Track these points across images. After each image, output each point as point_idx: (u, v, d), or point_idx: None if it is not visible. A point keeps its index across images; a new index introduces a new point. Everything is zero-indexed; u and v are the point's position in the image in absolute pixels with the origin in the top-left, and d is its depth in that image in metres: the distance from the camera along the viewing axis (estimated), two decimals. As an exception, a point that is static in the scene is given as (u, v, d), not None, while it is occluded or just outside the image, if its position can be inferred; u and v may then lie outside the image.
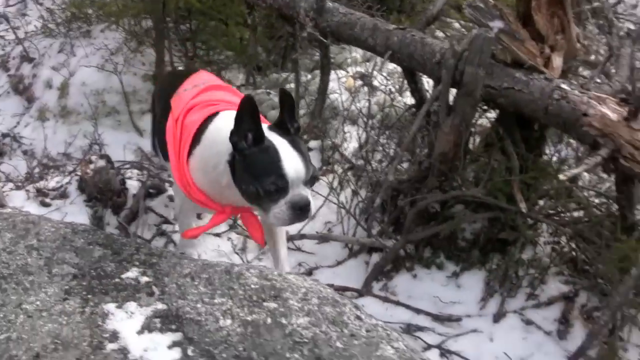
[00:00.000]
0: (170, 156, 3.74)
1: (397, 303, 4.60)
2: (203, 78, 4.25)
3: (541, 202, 4.99)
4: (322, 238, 5.00)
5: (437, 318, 4.52)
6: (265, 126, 3.39)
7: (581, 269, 4.73)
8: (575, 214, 4.94)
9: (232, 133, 3.33)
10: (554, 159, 5.23)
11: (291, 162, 3.27)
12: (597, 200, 4.97)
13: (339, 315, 2.48)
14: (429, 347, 4.26)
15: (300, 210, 3.29)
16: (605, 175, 4.95)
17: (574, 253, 4.77)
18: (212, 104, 3.82)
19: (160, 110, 4.28)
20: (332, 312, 2.49)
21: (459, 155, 4.56)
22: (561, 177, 3.86)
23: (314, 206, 3.36)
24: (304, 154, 3.35)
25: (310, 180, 3.36)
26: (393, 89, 6.22)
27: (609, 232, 4.52)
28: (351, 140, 5.97)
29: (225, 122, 3.49)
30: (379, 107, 5.99)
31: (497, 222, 4.70)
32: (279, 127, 3.41)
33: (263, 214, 3.43)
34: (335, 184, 5.31)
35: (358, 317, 2.51)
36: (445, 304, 4.63)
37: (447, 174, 4.61)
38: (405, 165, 5.32)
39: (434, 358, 4.15)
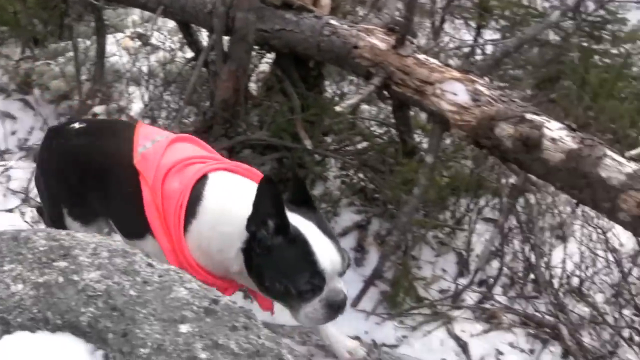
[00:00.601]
0: (159, 235, 3.03)
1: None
2: (156, 129, 3.52)
3: (328, 139, 5.13)
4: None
5: (238, 263, 4.57)
6: None
7: (371, 197, 4.90)
8: (360, 145, 5.11)
9: (250, 221, 2.82)
10: (337, 96, 5.38)
11: (327, 254, 2.80)
12: (379, 130, 5.15)
13: (130, 265, 2.48)
14: (232, 291, 4.32)
15: (338, 308, 2.87)
16: (383, 105, 5.13)
17: (362, 183, 4.94)
18: (191, 163, 3.15)
19: (113, 182, 3.31)
20: (123, 262, 2.48)
21: (240, 101, 4.61)
22: (337, 108, 3.98)
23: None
24: (335, 238, 2.90)
25: (345, 270, 2.92)
26: (173, 46, 6.20)
27: (392, 158, 4.71)
28: (137, 100, 5.92)
29: (224, 191, 3.05)
30: (160, 65, 5.97)
31: (286, 161, 4.80)
32: (297, 202, 2.95)
33: (290, 312, 2.93)
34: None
35: (149, 265, 2.51)
36: (242, 249, 4.68)
37: (231, 121, 4.64)
38: (193, 118, 5.34)
39: (238, 300, 4.20)
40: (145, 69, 5.78)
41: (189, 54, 5.74)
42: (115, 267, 2.46)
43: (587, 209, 4.68)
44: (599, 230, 4.70)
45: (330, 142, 5.10)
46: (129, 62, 6.10)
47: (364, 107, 5.46)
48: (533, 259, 4.70)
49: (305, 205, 2.94)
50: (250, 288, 3.17)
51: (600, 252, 4.77)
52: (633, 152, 3.81)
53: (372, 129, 5.21)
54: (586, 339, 4.32)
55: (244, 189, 3.00)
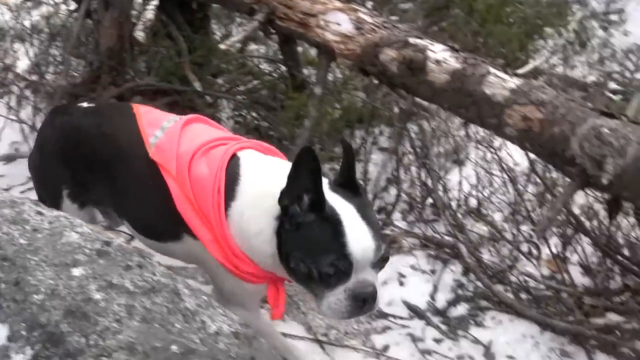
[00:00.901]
0: (196, 227, 2.81)
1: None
2: (159, 113, 3.21)
3: (220, 80, 5.13)
4: (9, 158, 4.87)
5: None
6: (325, 183, 2.68)
7: (266, 135, 4.89)
8: (251, 84, 5.12)
9: (283, 194, 2.61)
10: (225, 37, 5.36)
11: (358, 238, 2.56)
12: (268, 68, 5.16)
13: (18, 214, 2.45)
14: (132, 237, 4.26)
15: (363, 302, 2.61)
16: (272, 42, 5.14)
17: (256, 122, 4.94)
18: (214, 146, 2.93)
19: (126, 178, 3.07)
20: (11, 212, 2.46)
21: (126, 48, 4.58)
22: (221, 46, 3.98)
23: (380, 296, 2.67)
24: (374, 225, 2.65)
25: (380, 262, 2.66)
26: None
27: (283, 94, 4.73)
28: (22, 57, 5.80)
29: (261, 168, 2.84)
30: (43, 19, 5.86)
31: (177, 105, 4.77)
32: (344, 185, 2.71)
33: (315, 302, 2.70)
34: (13, 102, 5.15)
35: (39, 213, 2.49)
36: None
37: (118, 69, 4.60)
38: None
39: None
40: (28, 24, 5.64)
41: (73, 5, 5.64)
42: (4, 217, 2.43)
43: (480, 131, 4.79)
44: (492, 150, 4.81)
45: (222, 83, 5.10)
46: (11, 19, 5.95)
47: (253, 46, 5.48)
48: (430, 183, 4.78)
49: (350, 188, 2.70)
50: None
51: (496, 173, 4.88)
52: (521, 70, 3.90)
53: (261, 66, 5.22)
54: (486, 256, 4.43)
55: (280, 166, 2.82)
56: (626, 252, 4.32)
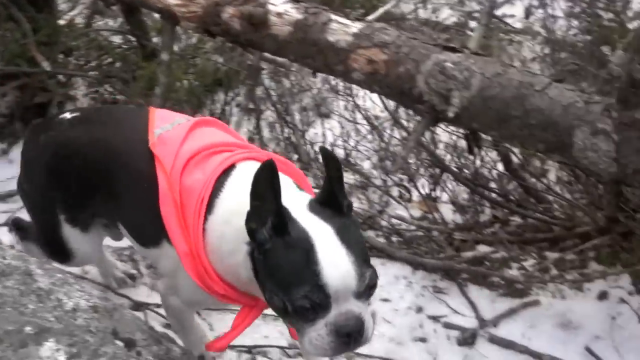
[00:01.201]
0: (174, 235, 2.51)
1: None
2: (173, 113, 2.97)
3: (72, 59, 5.05)
4: None
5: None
6: (305, 201, 2.37)
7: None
8: (104, 60, 5.06)
9: (248, 215, 2.28)
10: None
11: (334, 264, 2.20)
12: (119, 40, 5.11)
13: None
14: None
15: (348, 337, 2.25)
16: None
17: (112, 96, 4.89)
18: (217, 151, 2.64)
19: (121, 177, 2.77)
20: None
21: (-34, 35, 4.46)
22: (60, 22, 3.92)
23: (371, 328, 2.30)
24: (356, 249, 2.26)
25: (366, 291, 2.28)
26: None
27: (134, 65, 4.68)
28: None
29: (246, 182, 2.32)
30: None
31: (29, 88, 4.68)
32: (326, 203, 2.34)
33: (298, 336, 2.35)
34: None
35: None
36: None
37: (-39, 58, 4.49)
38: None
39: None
40: None
41: None
42: None
43: (339, 82, 4.81)
44: (350, 99, 4.84)
45: (75, 61, 5.01)
46: None
47: (102, 21, 5.41)
48: (293, 138, 4.78)
49: (332, 207, 2.34)
50: None
51: (362, 122, 4.91)
52: (371, 16, 3.92)
53: (111, 40, 5.15)
54: (355, 204, 4.44)
55: None
56: (494, 185, 4.40)
